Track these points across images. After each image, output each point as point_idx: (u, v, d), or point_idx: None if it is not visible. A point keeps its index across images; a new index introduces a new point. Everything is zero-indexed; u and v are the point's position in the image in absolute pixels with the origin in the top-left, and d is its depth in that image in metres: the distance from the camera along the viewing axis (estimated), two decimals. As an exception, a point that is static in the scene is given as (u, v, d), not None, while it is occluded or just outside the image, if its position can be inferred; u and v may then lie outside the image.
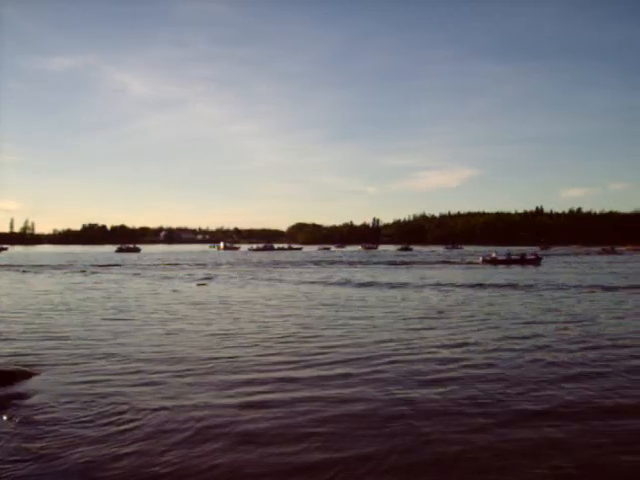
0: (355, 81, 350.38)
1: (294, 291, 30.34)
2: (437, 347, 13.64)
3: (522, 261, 64.81)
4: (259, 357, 12.51)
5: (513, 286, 32.57)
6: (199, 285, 35.22)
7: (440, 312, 20.54)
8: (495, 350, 13.23)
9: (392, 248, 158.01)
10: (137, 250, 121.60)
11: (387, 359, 12.20)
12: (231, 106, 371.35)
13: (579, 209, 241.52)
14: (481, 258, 67.44)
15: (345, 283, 35.98)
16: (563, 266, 60.03)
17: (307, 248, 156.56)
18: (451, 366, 11.55)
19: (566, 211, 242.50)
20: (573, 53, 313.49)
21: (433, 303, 23.72)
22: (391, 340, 14.54)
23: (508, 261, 64.55)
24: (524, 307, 22.36)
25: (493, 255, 67.14)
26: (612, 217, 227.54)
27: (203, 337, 15.16)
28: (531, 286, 32.56)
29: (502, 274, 45.45)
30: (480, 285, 33.34)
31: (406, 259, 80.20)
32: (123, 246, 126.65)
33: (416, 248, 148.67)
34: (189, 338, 15.03)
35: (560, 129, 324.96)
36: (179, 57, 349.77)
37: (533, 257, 66.89)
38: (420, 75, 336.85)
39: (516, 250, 75.27)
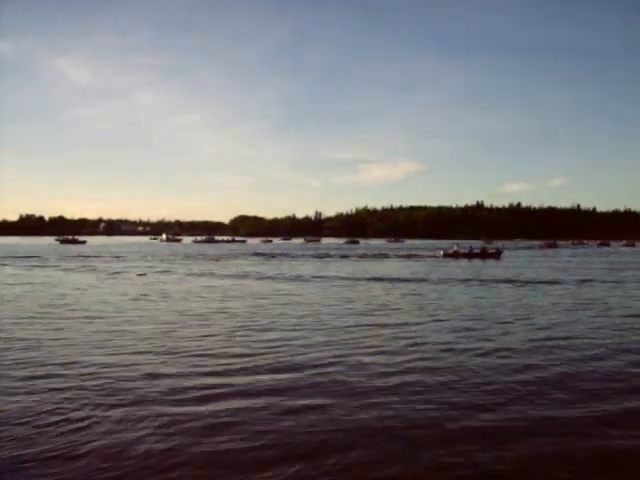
0: (302, 74, 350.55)
1: (236, 285, 29.86)
2: (378, 349, 13.19)
3: (483, 255, 66.69)
4: (197, 358, 12.02)
5: (471, 280, 33.23)
6: (139, 275, 35.04)
7: (385, 305, 20.63)
8: (441, 351, 12.97)
9: (335, 241, 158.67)
10: (82, 242, 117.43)
11: (328, 362, 11.75)
12: (175, 96, 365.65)
13: (519, 204, 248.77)
14: (442, 252, 68.43)
15: (289, 277, 35.55)
16: (516, 260, 62.15)
17: (250, 240, 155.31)
18: (392, 370, 11.14)
19: (506, 205, 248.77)
20: (516, 51, 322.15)
21: (383, 299, 23.58)
22: (333, 342, 14.00)
23: (470, 255, 66.11)
24: (477, 301, 22.88)
25: (455, 249, 68.03)
26: (551, 212, 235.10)
27: (143, 338, 14.39)
28: (487, 280, 33.31)
29: (464, 268, 46.58)
30: (446, 279, 33.82)
31: (351, 252, 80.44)
32: (61, 237, 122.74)
33: (362, 241, 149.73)
34: (129, 336, 14.45)
35: (501, 125, 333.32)
36: (121, 45, 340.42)
37: (494, 251, 68.99)
38: (367, 70, 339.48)
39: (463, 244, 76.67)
